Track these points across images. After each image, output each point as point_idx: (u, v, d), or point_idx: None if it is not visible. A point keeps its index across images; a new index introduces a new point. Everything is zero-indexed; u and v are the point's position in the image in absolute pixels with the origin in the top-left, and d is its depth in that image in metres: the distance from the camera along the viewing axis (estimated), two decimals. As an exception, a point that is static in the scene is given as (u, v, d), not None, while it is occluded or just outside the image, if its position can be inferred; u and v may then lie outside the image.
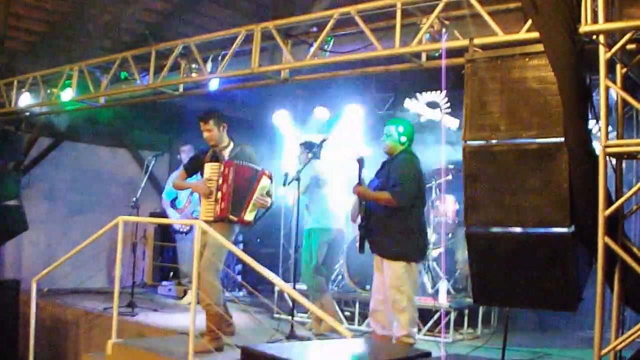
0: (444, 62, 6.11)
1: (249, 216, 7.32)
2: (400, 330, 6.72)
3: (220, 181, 7.23)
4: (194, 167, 7.59)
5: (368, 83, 10.59)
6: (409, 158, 7.02)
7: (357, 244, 7.17)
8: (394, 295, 6.73)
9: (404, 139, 7.06)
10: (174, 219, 10.48)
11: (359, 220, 7.12)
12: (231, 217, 7.21)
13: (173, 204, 10.71)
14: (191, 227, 10.09)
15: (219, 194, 7.21)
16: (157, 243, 12.29)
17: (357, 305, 9.05)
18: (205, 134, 7.37)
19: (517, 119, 5.45)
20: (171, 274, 11.81)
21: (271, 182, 7.49)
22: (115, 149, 13.71)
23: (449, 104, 9.20)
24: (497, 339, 7.64)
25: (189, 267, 10.21)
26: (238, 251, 7.40)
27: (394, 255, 6.81)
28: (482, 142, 5.60)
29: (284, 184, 8.06)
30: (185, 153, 10.36)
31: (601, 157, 4.81)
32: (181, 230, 10.58)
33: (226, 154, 7.40)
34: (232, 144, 7.47)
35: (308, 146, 8.73)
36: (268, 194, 7.47)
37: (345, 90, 10.13)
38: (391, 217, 6.85)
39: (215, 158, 7.36)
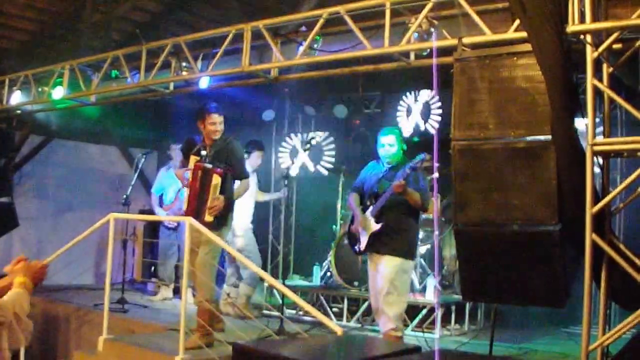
0: (435, 62, 6.15)
1: (208, 218, 7.13)
2: (387, 324, 6.79)
3: (191, 181, 7.26)
4: (188, 152, 7.57)
5: (355, 82, 10.64)
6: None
7: (360, 245, 7.14)
8: (387, 288, 6.79)
9: (404, 145, 7.20)
10: (162, 216, 10.40)
11: (376, 223, 7.03)
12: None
13: (161, 200, 10.63)
14: (179, 224, 10.11)
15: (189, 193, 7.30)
16: (147, 240, 12.32)
17: (345, 301, 9.09)
18: (217, 127, 7.34)
19: (505, 117, 5.51)
20: (152, 268, 11.64)
21: (223, 179, 7.21)
22: (105, 146, 13.68)
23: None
24: (484, 335, 7.71)
25: (170, 264, 10.30)
26: (230, 249, 7.44)
27: (396, 251, 6.89)
28: (470, 141, 5.65)
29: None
30: (175, 152, 10.31)
31: (588, 155, 4.88)
32: (169, 226, 10.52)
33: (210, 150, 7.37)
34: (216, 142, 7.42)
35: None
36: (221, 194, 7.20)
37: (333, 89, 10.21)
38: (405, 216, 7.01)
39: (198, 153, 7.37)
